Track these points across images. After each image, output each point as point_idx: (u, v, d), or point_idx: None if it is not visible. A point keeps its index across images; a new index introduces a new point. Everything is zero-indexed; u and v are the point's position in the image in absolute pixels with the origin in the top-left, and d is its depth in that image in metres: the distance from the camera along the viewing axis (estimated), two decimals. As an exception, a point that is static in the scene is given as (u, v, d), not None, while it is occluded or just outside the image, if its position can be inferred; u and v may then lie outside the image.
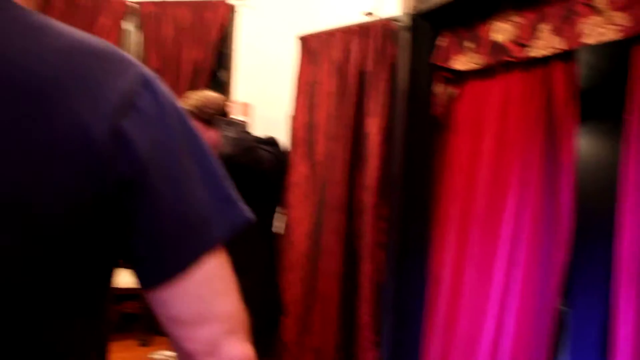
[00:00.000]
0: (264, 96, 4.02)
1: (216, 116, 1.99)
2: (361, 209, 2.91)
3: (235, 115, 2.06)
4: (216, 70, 4.25)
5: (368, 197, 2.86)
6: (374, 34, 2.97)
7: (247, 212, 0.64)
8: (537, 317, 2.35)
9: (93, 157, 0.53)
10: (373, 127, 2.90)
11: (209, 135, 1.96)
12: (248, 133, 1.94)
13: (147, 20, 4.16)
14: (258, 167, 1.87)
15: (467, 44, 2.78)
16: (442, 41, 2.88)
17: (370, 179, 2.86)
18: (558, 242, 2.35)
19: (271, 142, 2.03)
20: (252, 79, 4.13)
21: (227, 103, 2.11)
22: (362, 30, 3.04)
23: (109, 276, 0.64)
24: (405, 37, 2.88)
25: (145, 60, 4.17)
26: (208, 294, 0.61)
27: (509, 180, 2.53)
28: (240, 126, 1.95)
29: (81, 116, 0.53)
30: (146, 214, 0.57)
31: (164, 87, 0.64)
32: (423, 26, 2.92)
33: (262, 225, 2.06)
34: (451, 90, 2.91)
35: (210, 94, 2.10)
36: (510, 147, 2.56)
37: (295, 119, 3.25)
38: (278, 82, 3.92)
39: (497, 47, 2.60)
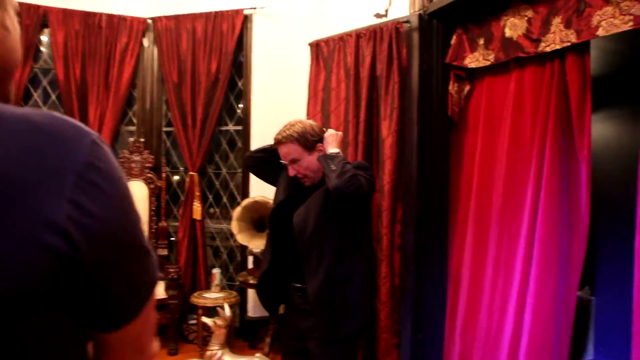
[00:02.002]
0: (280, 102, 4.05)
1: (316, 144, 2.24)
2: (377, 212, 2.89)
3: (329, 143, 2.25)
4: (233, 78, 4.30)
5: (383, 200, 2.85)
6: (384, 37, 2.95)
7: (158, 273, 0.77)
8: (556, 311, 2.31)
9: (52, 238, 0.56)
10: (386, 130, 2.89)
11: (310, 160, 2.21)
12: (347, 163, 2.14)
13: (162, 35, 4.24)
14: (360, 192, 2.08)
15: (479, 41, 2.75)
16: (454, 39, 2.86)
17: (385, 182, 2.84)
18: (576, 235, 2.30)
19: (364, 166, 2.23)
20: (268, 86, 4.16)
21: (323, 130, 2.32)
22: (372, 34, 3.03)
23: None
24: (415, 37, 2.86)
25: (164, 74, 4.25)
26: (145, 334, 0.75)
27: (525, 176, 2.49)
28: (339, 158, 2.15)
29: (39, 203, 0.56)
30: (101, 284, 0.64)
31: (108, 152, 0.65)
32: (434, 26, 2.90)
33: (359, 241, 2.26)
34: (464, 88, 2.88)
35: (310, 122, 2.31)
36: (526, 143, 2.52)
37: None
38: (294, 88, 3.95)
39: (509, 43, 2.57)
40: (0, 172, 0.55)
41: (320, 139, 2.25)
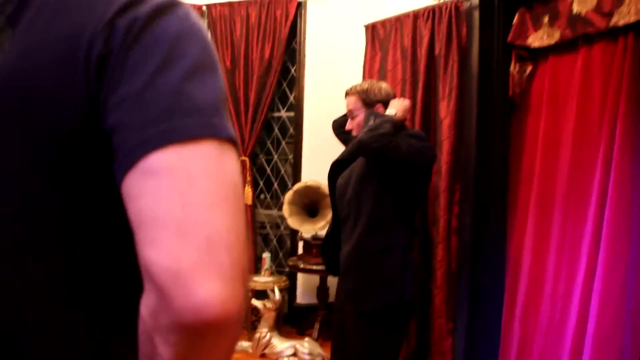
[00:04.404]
0: (333, 88, 4.00)
1: (376, 104, 2.19)
2: (435, 194, 2.83)
3: (390, 107, 2.18)
4: (286, 65, 4.31)
5: (441, 181, 2.78)
6: (444, 16, 2.88)
7: (232, 132, 0.54)
8: (626, 301, 2.18)
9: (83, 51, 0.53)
10: (444, 110, 2.82)
11: (360, 114, 2.18)
12: (391, 124, 2.03)
13: (217, 21, 4.27)
14: (390, 153, 1.98)
15: (543, 19, 2.64)
16: (516, 18, 2.76)
17: (442, 164, 2.78)
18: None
19: (418, 136, 2.14)
20: (321, 73, 4.14)
21: (393, 96, 2.27)
22: (431, 13, 2.97)
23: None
24: (475, 16, 2.78)
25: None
26: (180, 191, 0.48)
27: (593, 159, 2.37)
28: (385, 117, 2.07)
29: (88, 15, 0.54)
30: (124, 86, 0.52)
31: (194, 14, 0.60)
32: (495, 4, 2.81)
33: (403, 214, 2.14)
34: (526, 69, 2.78)
35: (381, 84, 2.28)
36: (594, 125, 2.41)
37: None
38: (347, 74, 3.90)
39: (577, 19, 2.45)
40: None
41: (384, 102, 2.21)
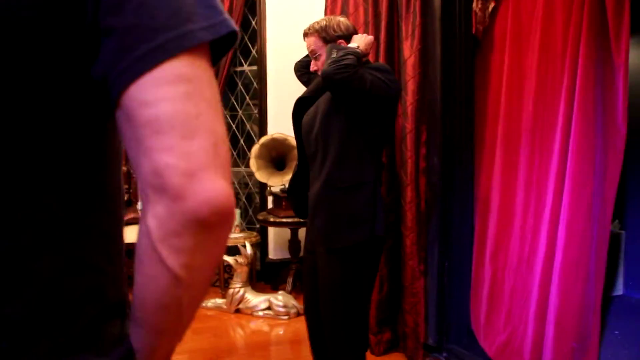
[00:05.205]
0: (296, 39, 3.89)
1: (337, 40, 2.12)
2: (401, 135, 2.79)
3: (354, 41, 2.11)
4: (247, 18, 4.18)
5: (407, 122, 2.74)
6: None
7: (232, 23, 0.56)
8: (592, 225, 2.21)
9: None
10: (408, 50, 2.77)
11: (323, 53, 2.10)
12: (354, 56, 1.97)
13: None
14: (358, 85, 1.93)
15: (505, -50, 2.58)
16: (478, -48, 2.69)
17: (408, 104, 2.74)
18: (612, 146, 2.18)
19: (382, 69, 2.07)
20: (283, 24, 4.03)
21: (354, 31, 2.20)
22: (391, -49, 2.88)
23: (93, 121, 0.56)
24: (437, -49, 2.70)
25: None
26: (195, 99, 0.52)
27: (557, 88, 2.36)
28: (348, 50, 2.01)
29: None
30: None
31: None
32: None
33: (373, 148, 2.09)
34: (489, 6, 2.73)
35: (340, 19, 2.21)
36: (557, 54, 2.38)
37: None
38: (310, 21, 3.80)
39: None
40: None
41: (345, 37, 2.14)
